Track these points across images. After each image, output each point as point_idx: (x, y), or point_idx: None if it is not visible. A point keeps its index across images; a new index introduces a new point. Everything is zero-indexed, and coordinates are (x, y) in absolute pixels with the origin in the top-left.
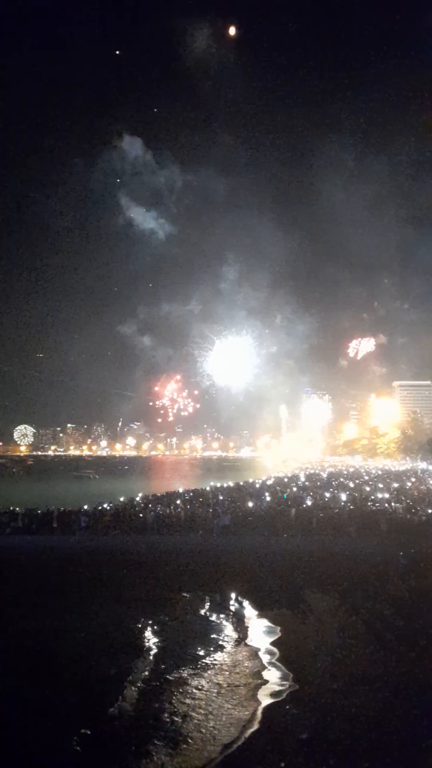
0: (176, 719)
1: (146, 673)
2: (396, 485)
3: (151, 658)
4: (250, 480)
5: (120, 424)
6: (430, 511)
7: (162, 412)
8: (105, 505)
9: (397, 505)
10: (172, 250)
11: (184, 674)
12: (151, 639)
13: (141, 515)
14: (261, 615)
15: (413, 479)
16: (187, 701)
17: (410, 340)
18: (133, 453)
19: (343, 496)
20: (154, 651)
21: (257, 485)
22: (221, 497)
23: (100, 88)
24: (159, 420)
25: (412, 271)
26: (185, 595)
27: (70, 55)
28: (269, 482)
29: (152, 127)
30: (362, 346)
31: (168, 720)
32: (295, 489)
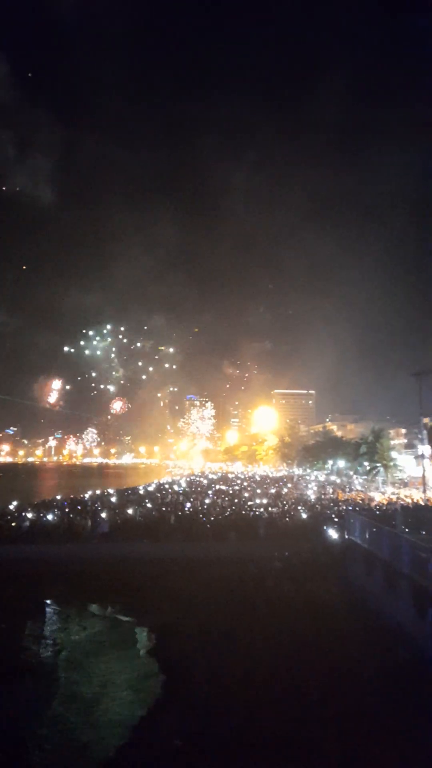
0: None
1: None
2: (273, 491)
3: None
4: (131, 487)
5: None
6: (303, 515)
7: (40, 415)
8: None
9: (274, 509)
10: (53, 228)
11: (62, 685)
12: (23, 653)
13: (14, 524)
14: (139, 623)
15: (289, 485)
16: (64, 709)
17: (291, 348)
18: (9, 459)
19: (223, 502)
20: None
21: (140, 491)
22: (99, 505)
23: None
24: (39, 421)
25: (296, 276)
26: (60, 606)
27: None
28: (150, 488)
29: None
30: (247, 352)
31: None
32: (175, 495)
